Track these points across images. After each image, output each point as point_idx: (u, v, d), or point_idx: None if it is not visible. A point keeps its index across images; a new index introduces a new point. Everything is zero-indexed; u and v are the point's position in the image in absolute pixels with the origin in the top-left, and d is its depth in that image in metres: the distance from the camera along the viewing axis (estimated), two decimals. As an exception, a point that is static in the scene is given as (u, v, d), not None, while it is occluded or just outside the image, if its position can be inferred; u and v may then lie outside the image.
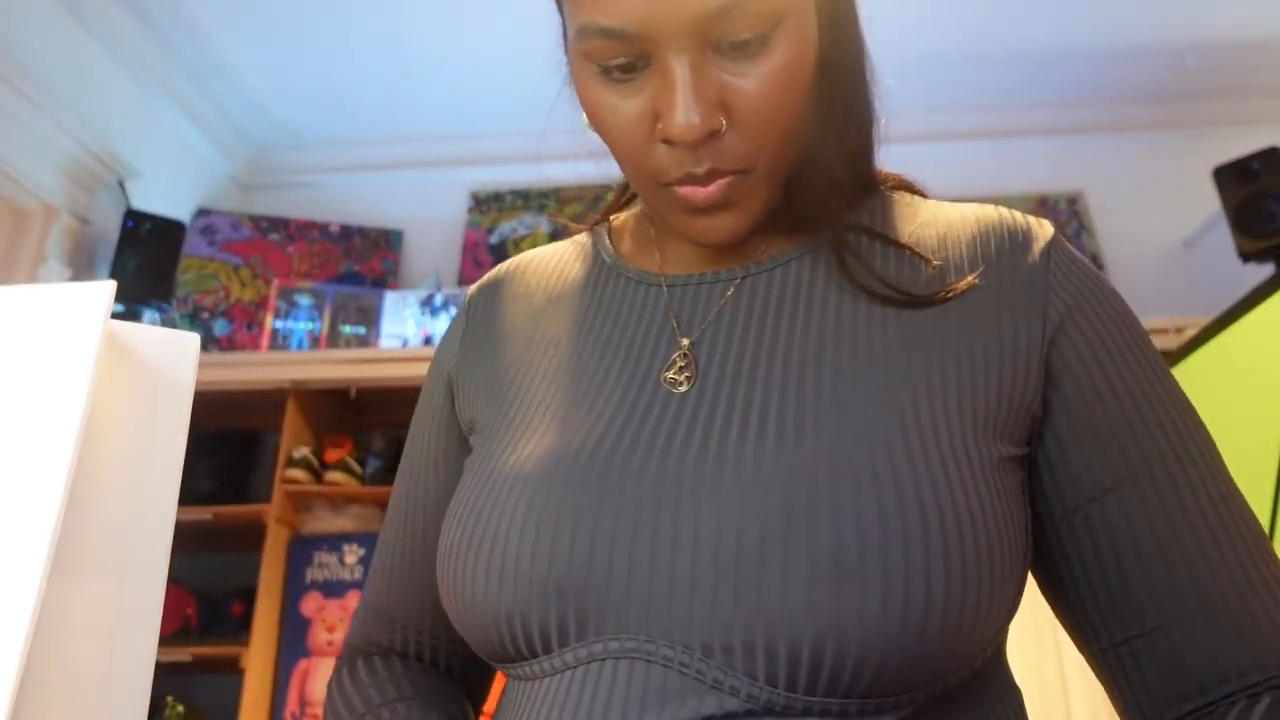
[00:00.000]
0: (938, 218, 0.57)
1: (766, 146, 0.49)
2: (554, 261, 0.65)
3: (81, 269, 2.36)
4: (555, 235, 2.77)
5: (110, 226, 2.44)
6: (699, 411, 0.48)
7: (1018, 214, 0.56)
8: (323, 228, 2.82)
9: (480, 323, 0.63)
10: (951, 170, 2.87)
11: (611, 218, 0.66)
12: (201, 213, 2.75)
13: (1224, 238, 2.32)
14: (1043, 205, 2.81)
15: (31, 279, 2.16)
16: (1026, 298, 0.50)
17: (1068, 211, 2.78)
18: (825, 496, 0.41)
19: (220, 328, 2.61)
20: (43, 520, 0.35)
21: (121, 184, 2.47)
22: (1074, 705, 2.07)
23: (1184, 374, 1.81)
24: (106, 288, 0.40)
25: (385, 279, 2.76)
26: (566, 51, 0.57)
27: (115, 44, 2.41)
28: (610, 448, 0.48)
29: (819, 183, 0.53)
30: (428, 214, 2.87)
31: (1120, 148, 2.84)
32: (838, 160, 0.54)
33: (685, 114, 0.46)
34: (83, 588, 0.37)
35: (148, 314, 2.48)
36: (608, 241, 0.63)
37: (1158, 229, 2.70)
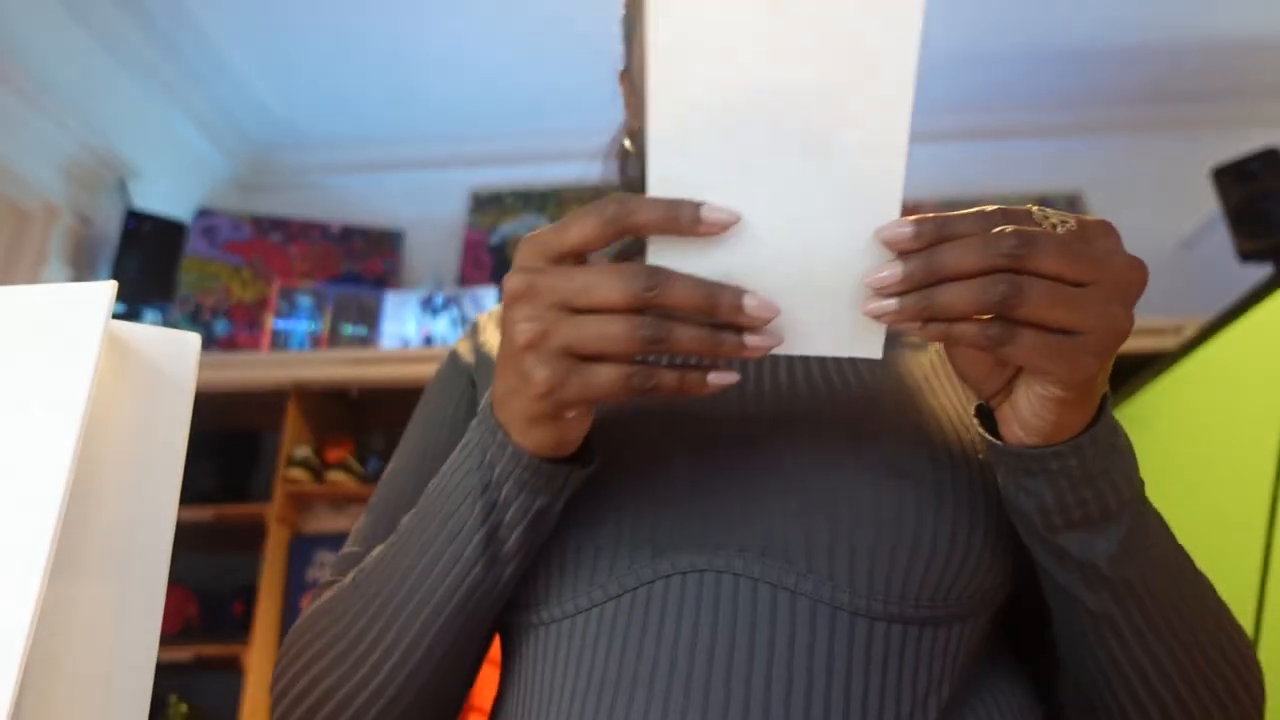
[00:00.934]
0: None
1: None
2: None
3: (82, 269, 2.36)
4: (555, 235, 2.77)
5: (111, 226, 2.45)
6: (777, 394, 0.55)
7: None
8: (323, 228, 2.82)
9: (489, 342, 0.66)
10: (951, 170, 2.88)
11: None
12: (202, 213, 2.75)
13: (1222, 238, 2.32)
14: (1042, 205, 2.81)
15: (32, 279, 2.16)
16: None
17: (1067, 211, 2.79)
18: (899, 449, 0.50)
19: (221, 328, 2.61)
20: (43, 520, 0.35)
21: (123, 184, 2.47)
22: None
23: (1183, 374, 1.81)
24: (107, 288, 0.40)
25: (386, 279, 2.76)
26: (630, 61, 0.67)
27: (116, 44, 2.41)
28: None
29: None
30: (428, 214, 2.87)
31: (1119, 148, 2.84)
32: None
33: None
34: (84, 588, 0.38)
35: (149, 314, 2.49)
36: None
37: (1156, 229, 2.70)
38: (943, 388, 0.57)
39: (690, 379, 0.41)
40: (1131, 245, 0.43)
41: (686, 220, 0.39)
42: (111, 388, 0.41)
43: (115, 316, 0.40)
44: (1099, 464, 0.43)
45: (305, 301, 2.61)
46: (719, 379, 0.41)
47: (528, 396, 0.41)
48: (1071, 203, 2.80)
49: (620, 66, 0.70)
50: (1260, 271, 2.14)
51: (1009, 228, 0.39)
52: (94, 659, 0.37)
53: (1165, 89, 2.76)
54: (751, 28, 0.38)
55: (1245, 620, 1.49)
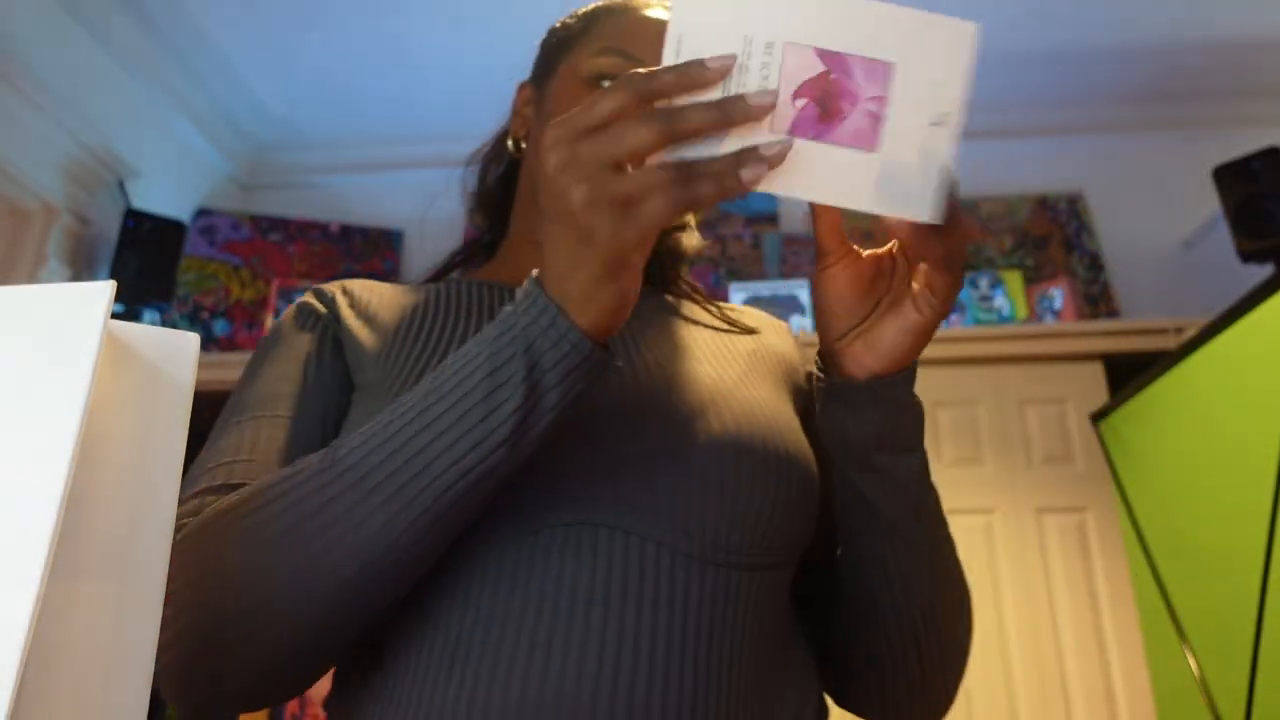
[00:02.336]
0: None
1: None
2: (404, 288, 0.75)
3: (81, 269, 2.36)
4: (555, 235, 2.78)
5: (110, 226, 2.44)
6: (637, 380, 0.63)
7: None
8: (323, 228, 2.82)
9: (352, 303, 0.71)
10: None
11: (462, 274, 0.81)
12: (201, 213, 2.75)
13: (1224, 238, 2.32)
14: (1043, 205, 2.81)
15: (31, 279, 2.16)
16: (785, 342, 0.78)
17: (1068, 211, 2.79)
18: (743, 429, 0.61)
19: (220, 328, 2.61)
20: (42, 521, 0.35)
21: (122, 184, 2.47)
22: (1073, 701, 2.07)
23: (1183, 374, 1.81)
24: (106, 288, 0.40)
25: (385, 279, 2.76)
26: (549, 74, 0.77)
27: (116, 44, 2.41)
28: None
29: (675, 252, 0.78)
30: (428, 214, 2.87)
31: (1120, 148, 2.84)
32: (679, 234, 0.78)
33: None
34: (83, 588, 0.38)
35: (148, 314, 2.48)
36: (473, 280, 0.76)
37: (1158, 229, 2.70)
38: (761, 380, 0.68)
39: (728, 180, 0.45)
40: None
41: (698, 75, 0.45)
42: (110, 388, 0.41)
43: (114, 316, 0.40)
44: (914, 396, 0.57)
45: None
46: (750, 173, 0.45)
47: (596, 258, 0.46)
48: (1073, 202, 2.80)
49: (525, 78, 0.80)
50: (1261, 272, 2.14)
51: None
52: (93, 659, 0.37)
53: (1166, 89, 2.76)
54: None
55: (1246, 618, 1.49)
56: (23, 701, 0.33)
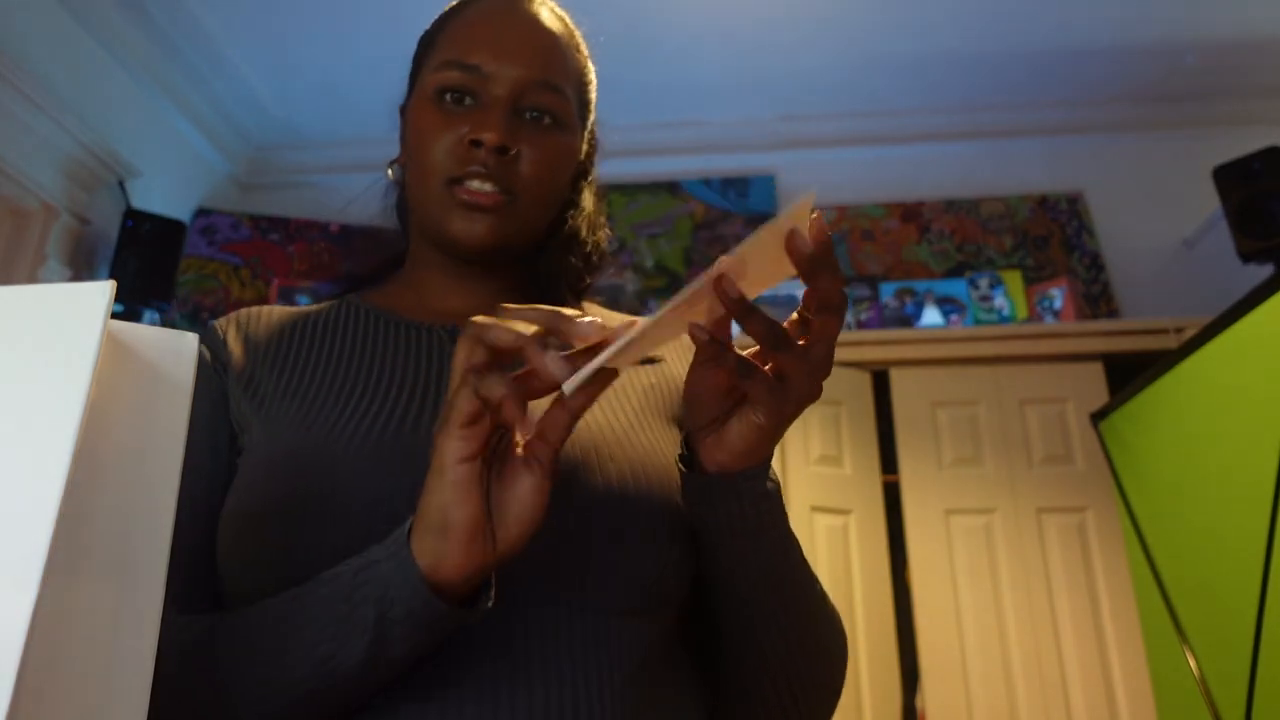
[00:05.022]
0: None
1: (533, 188, 0.68)
2: (299, 313, 0.76)
3: (81, 269, 2.36)
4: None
5: (110, 227, 2.44)
6: None
7: None
8: (322, 227, 2.82)
9: (235, 343, 0.71)
10: (951, 170, 2.88)
11: (359, 295, 0.79)
12: (201, 213, 2.75)
13: (1224, 238, 2.32)
14: (1043, 205, 2.81)
15: (31, 279, 2.16)
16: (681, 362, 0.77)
17: (1068, 211, 2.79)
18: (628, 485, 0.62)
19: (220, 328, 2.61)
20: (43, 519, 0.35)
21: (121, 184, 2.47)
22: (1073, 701, 2.07)
23: (1184, 374, 1.81)
24: (106, 288, 0.40)
25: (385, 279, 2.76)
26: (411, 93, 0.79)
27: (116, 45, 2.41)
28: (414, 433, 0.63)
29: (554, 267, 0.75)
30: (428, 214, 2.87)
31: (1120, 148, 2.84)
32: (568, 257, 0.75)
33: (497, 124, 0.66)
34: (82, 587, 0.38)
35: (148, 314, 2.48)
36: (364, 304, 0.76)
37: (1158, 229, 2.70)
38: (653, 421, 0.68)
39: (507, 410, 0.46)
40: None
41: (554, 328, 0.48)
42: (110, 387, 0.41)
43: (114, 316, 0.40)
44: (765, 487, 0.57)
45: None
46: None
47: (440, 493, 0.48)
48: (1073, 202, 2.80)
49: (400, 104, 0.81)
50: (1261, 272, 2.14)
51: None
52: (92, 659, 0.37)
53: (1166, 89, 2.76)
54: None
55: (1246, 618, 1.49)
56: (22, 702, 0.33)
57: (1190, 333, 2.06)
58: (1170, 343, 2.23)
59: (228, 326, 0.73)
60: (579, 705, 0.55)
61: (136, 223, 2.43)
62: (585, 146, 0.76)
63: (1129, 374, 2.15)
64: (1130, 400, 2.03)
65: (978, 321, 2.62)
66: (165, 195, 2.63)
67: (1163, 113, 2.83)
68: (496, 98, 0.67)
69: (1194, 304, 2.35)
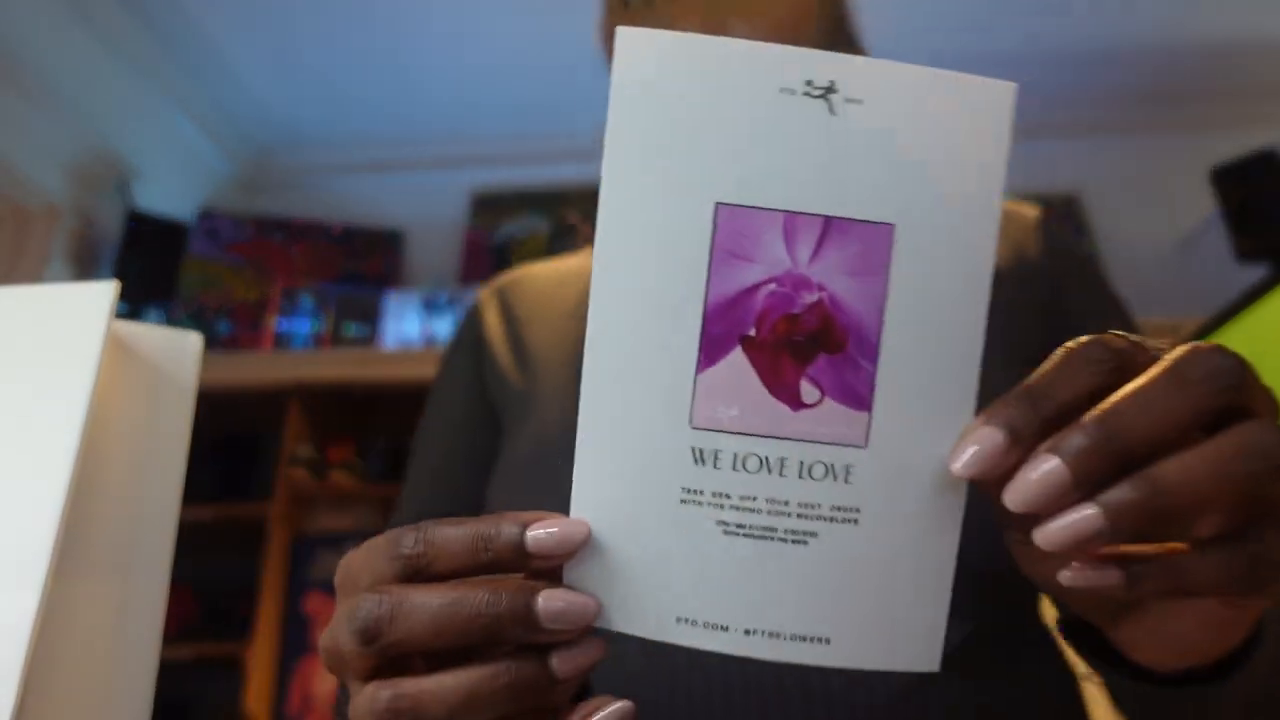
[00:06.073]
0: None
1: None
2: (566, 271, 0.69)
3: (85, 269, 2.36)
4: (555, 236, 2.78)
5: (113, 227, 2.45)
6: None
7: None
8: (325, 228, 2.82)
9: (494, 320, 0.67)
10: (953, 170, 2.87)
11: None
12: (205, 214, 2.76)
13: (1220, 238, 2.32)
14: (1041, 205, 2.81)
15: (35, 279, 2.17)
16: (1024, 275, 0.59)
17: (1064, 212, 2.78)
18: None
19: (223, 328, 2.61)
20: (47, 519, 0.35)
21: (125, 185, 2.47)
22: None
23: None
24: (110, 288, 0.40)
25: (387, 279, 2.76)
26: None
27: (118, 45, 2.41)
28: None
29: None
30: (429, 215, 2.87)
31: (1117, 148, 2.84)
32: None
33: (696, 8, 0.58)
34: (86, 587, 0.38)
35: (151, 314, 2.49)
36: None
37: (1154, 229, 2.70)
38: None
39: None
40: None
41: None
42: (114, 387, 0.41)
43: (117, 316, 0.41)
44: (1274, 679, 0.34)
45: (307, 302, 2.61)
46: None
47: None
48: (1069, 203, 2.80)
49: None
50: (1257, 272, 2.14)
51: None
52: (97, 658, 0.37)
53: (1165, 89, 2.76)
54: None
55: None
56: (27, 699, 0.34)
57: (1187, 332, 2.05)
58: (1168, 342, 2.22)
59: (488, 302, 0.69)
60: None
61: (139, 223, 2.44)
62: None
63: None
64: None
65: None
66: (168, 196, 2.63)
67: (1160, 113, 2.82)
68: None
69: (1190, 304, 2.35)
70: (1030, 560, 0.32)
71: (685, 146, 0.30)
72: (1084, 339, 0.29)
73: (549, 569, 0.31)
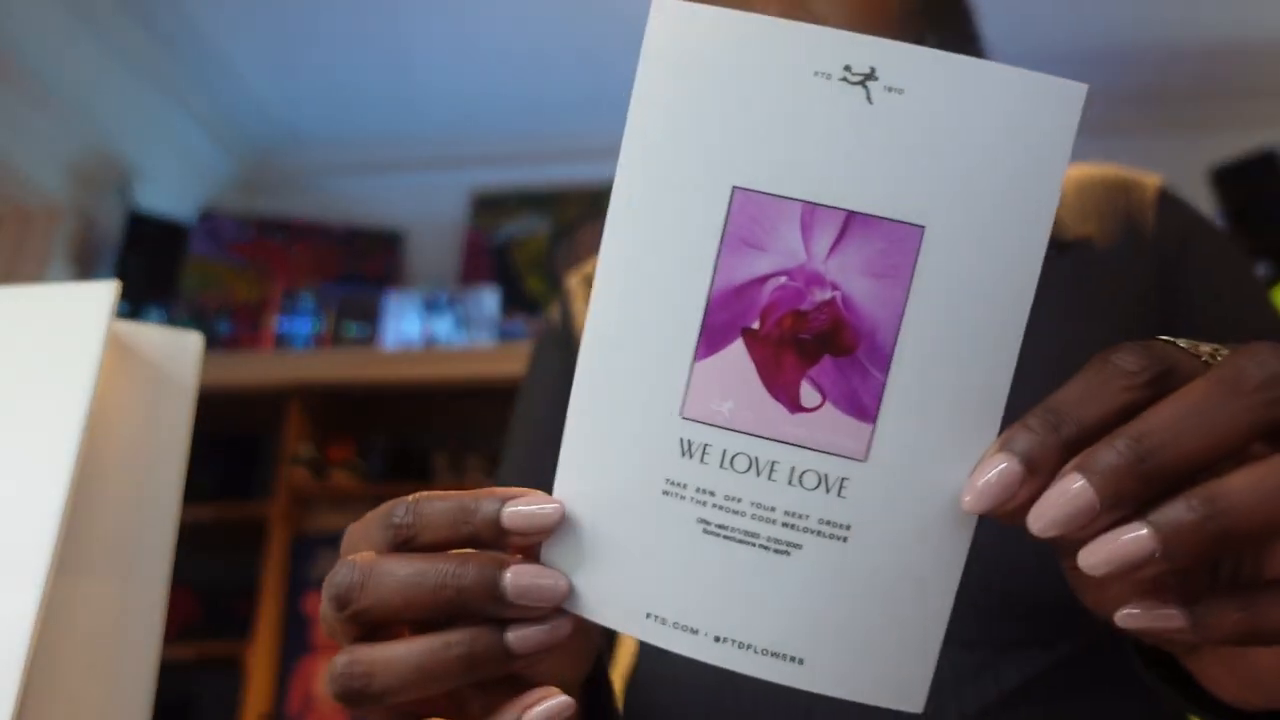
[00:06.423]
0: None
1: None
2: None
3: (86, 269, 2.37)
4: (556, 236, 2.78)
5: (114, 227, 2.45)
6: None
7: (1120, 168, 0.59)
8: (325, 229, 2.82)
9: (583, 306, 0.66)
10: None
11: None
12: (206, 215, 2.76)
13: (1225, 238, 2.33)
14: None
15: (36, 279, 2.17)
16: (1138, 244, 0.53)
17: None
18: None
19: (224, 328, 2.61)
20: (47, 519, 0.35)
21: (126, 185, 2.48)
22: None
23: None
24: (110, 288, 0.40)
25: (387, 280, 2.77)
26: None
27: (119, 45, 2.42)
28: None
29: None
30: (430, 215, 2.87)
31: (1117, 148, 2.82)
32: None
33: None
34: (87, 586, 0.38)
35: (152, 314, 2.49)
36: None
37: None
38: None
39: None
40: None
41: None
42: (114, 387, 0.41)
43: (118, 316, 0.41)
44: None
45: (308, 302, 2.61)
46: (522, 641, 0.29)
47: None
48: (1073, 203, 2.80)
49: None
50: (1258, 272, 2.14)
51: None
52: (97, 657, 0.37)
53: (1164, 89, 2.76)
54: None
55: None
56: (28, 699, 0.34)
57: (1192, 333, 2.06)
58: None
59: (577, 290, 0.65)
60: None
61: (140, 223, 2.44)
62: None
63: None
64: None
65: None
66: (169, 196, 2.63)
67: (1159, 114, 2.82)
68: None
69: (1196, 304, 2.36)
70: (1086, 589, 0.29)
71: (709, 126, 0.28)
72: (1121, 345, 0.25)
73: (528, 546, 0.30)
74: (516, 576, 0.28)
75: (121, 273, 2.37)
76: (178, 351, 0.43)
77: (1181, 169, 2.64)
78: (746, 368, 0.28)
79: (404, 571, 0.28)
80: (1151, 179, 0.59)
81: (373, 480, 2.34)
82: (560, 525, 0.29)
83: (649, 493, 0.29)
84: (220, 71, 2.65)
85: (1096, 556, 0.24)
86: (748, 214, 0.28)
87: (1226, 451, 0.23)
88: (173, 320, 2.53)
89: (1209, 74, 2.68)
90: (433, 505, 0.29)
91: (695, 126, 0.28)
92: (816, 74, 0.27)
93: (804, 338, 0.28)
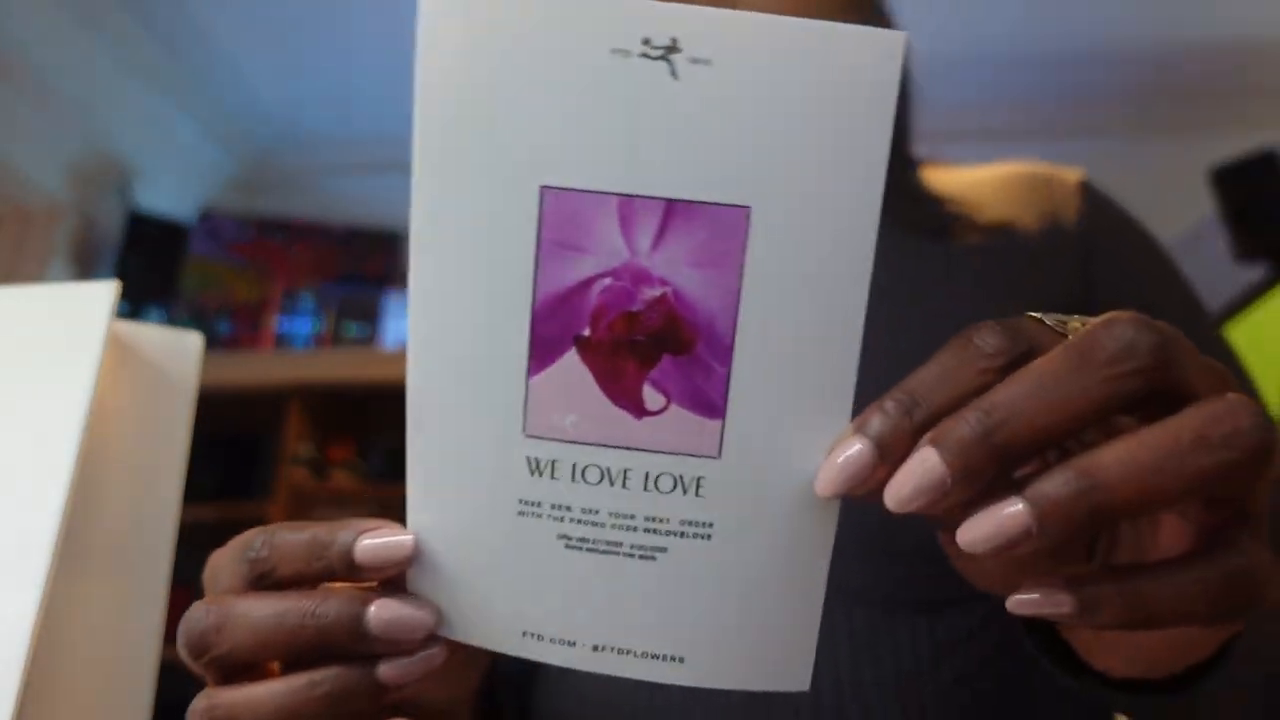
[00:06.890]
0: (961, 177, 0.60)
1: None
2: None
3: (85, 269, 2.37)
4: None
5: (114, 227, 2.45)
6: None
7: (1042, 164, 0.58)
8: (325, 229, 2.82)
9: None
10: (953, 170, 2.88)
11: None
12: (206, 215, 2.76)
13: (1220, 239, 2.32)
14: (1044, 205, 2.80)
15: (36, 278, 2.17)
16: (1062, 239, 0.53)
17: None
18: None
19: (224, 328, 2.62)
20: (46, 519, 0.35)
21: (126, 185, 2.48)
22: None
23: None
24: (110, 288, 0.40)
25: (387, 279, 2.77)
26: None
27: (120, 46, 2.42)
28: None
29: None
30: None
31: (1117, 148, 2.84)
32: None
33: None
34: (87, 586, 0.38)
35: (152, 314, 2.49)
36: None
37: (1153, 229, 2.69)
38: None
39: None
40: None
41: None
42: (114, 387, 0.41)
43: (118, 316, 0.41)
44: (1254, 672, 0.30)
45: (308, 302, 2.61)
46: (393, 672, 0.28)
47: None
48: (1073, 203, 2.80)
49: None
50: (1257, 272, 2.14)
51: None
52: (97, 658, 0.37)
53: (1164, 89, 2.76)
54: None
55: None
56: (28, 699, 0.34)
57: (1191, 333, 2.06)
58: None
59: None
60: None
61: (140, 223, 2.44)
62: None
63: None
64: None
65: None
66: (169, 196, 2.63)
67: (1158, 114, 2.82)
68: None
69: (1195, 304, 2.35)
70: (966, 565, 0.29)
71: (505, 121, 0.25)
72: (983, 324, 0.24)
73: (387, 579, 0.29)
74: (380, 610, 0.27)
75: (121, 273, 2.37)
76: (178, 351, 0.43)
77: (1181, 169, 2.64)
78: (584, 377, 0.27)
79: (260, 613, 0.27)
80: (1073, 173, 0.58)
81: (372, 480, 2.34)
82: (416, 557, 0.28)
83: (504, 515, 0.28)
84: (220, 71, 2.65)
85: (973, 533, 0.23)
86: (561, 214, 0.26)
87: (1081, 424, 0.22)
88: (173, 320, 2.53)
89: (1209, 74, 2.68)
90: (286, 537, 0.28)
91: (491, 124, 0.26)
92: (614, 51, 0.25)
93: (639, 340, 0.26)
